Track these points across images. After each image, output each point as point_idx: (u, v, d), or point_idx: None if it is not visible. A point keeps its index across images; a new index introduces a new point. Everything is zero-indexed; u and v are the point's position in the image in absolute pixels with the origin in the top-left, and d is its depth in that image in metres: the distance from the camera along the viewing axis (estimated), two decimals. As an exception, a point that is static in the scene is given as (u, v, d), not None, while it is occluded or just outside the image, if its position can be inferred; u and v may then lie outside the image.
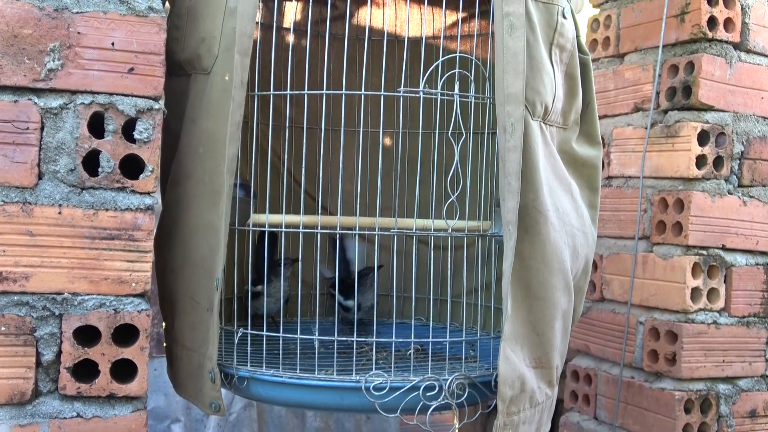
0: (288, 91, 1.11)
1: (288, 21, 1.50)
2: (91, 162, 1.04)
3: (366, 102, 1.47)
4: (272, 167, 1.49)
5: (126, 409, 1.05)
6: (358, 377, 1.08)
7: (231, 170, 1.10)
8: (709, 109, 1.60)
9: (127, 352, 1.05)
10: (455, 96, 1.09)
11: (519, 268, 1.12)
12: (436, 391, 1.09)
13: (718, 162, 1.61)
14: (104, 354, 1.04)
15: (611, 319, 1.74)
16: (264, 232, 1.34)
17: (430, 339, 1.23)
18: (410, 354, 1.30)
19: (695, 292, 1.59)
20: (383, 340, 1.23)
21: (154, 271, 1.19)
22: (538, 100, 1.11)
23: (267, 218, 1.18)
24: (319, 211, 1.30)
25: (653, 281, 1.64)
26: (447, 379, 1.09)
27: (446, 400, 1.08)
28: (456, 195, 1.11)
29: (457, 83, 1.09)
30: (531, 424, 1.14)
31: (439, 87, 1.08)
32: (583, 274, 1.24)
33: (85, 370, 1.05)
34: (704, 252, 1.60)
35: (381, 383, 1.07)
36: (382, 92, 1.10)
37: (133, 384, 1.05)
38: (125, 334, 1.06)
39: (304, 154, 1.21)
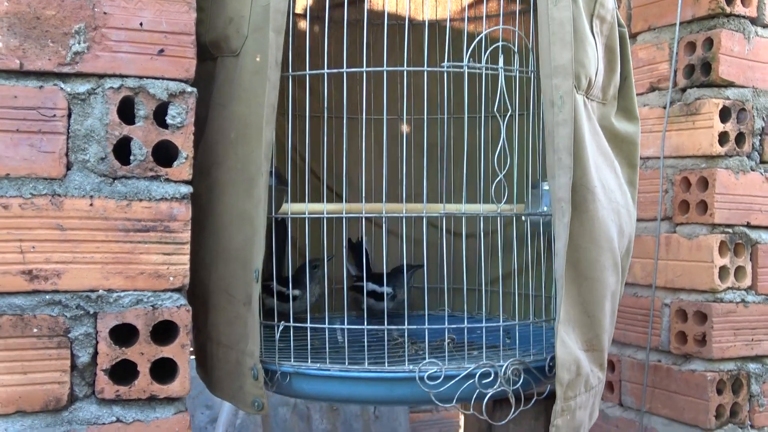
0: (326, 70, 1.06)
1: (301, 6, 1.44)
2: (123, 150, 0.98)
3: (385, 86, 1.42)
4: (293, 162, 1.44)
5: (168, 411, 0.99)
6: (411, 367, 1.03)
7: (267, 155, 1.04)
8: (730, 85, 1.58)
9: (167, 351, 0.99)
10: (500, 70, 1.05)
11: (567, 248, 1.08)
12: (491, 378, 1.04)
13: (739, 138, 1.58)
14: (143, 353, 0.98)
15: (634, 303, 1.71)
16: (278, 227, 1.28)
17: (465, 325, 1.17)
18: (447, 343, 1.25)
19: (723, 271, 1.56)
20: (416, 327, 1.17)
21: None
22: (582, 73, 1.07)
23: (289, 207, 1.12)
24: (345, 199, 1.24)
25: (678, 262, 1.61)
26: (503, 365, 1.04)
27: (502, 387, 1.04)
28: (504, 174, 1.06)
29: (501, 57, 1.04)
30: (585, 409, 1.10)
31: (484, 60, 1.03)
32: (626, 254, 1.21)
33: (122, 372, 0.99)
34: (730, 230, 1.57)
35: (436, 372, 1.02)
36: (425, 68, 1.05)
37: (174, 384, 0.99)
38: (163, 332, 1.00)
39: (331, 144, 1.16)
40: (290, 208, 1.11)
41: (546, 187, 1.27)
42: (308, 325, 1.06)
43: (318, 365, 1.05)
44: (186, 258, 1.00)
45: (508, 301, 1.44)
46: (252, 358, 1.06)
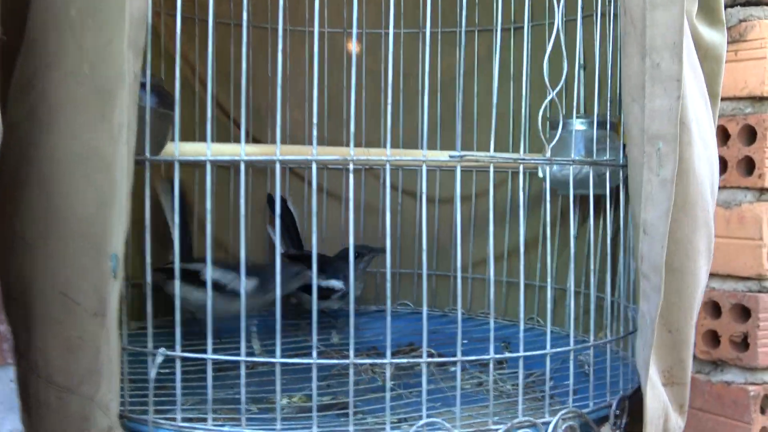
0: None
1: None
2: None
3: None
4: (185, 83, 0.96)
5: None
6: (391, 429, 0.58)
7: (136, 47, 0.57)
8: (785, 3, 1.18)
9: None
10: None
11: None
12: (529, 443, 0.60)
13: (795, 76, 1.19)
14: None
15: (643, 291, 1.31)
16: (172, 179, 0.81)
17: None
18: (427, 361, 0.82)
19: (772, 252, 1.17)
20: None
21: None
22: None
23: (177, 146, 0.65)
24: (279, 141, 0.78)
25: (709, 238, 1.22)
26: (549, 422, 0.60)
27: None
28: (556, 93, 0.62)
29: None
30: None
31: None
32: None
33: None
34: (781, 197, 1.18)
35: (440, 439, 0.57)
36: None
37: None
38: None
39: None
40: (180, 147, 0.63)
41: (581, 126, 0.84)
42: (208, 356, 0.59)
43: (227, 427, 0.58)
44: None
45: (499, 294, 1.02)
46: (106, 412, 0.59)
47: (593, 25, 0.85)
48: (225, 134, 1.04)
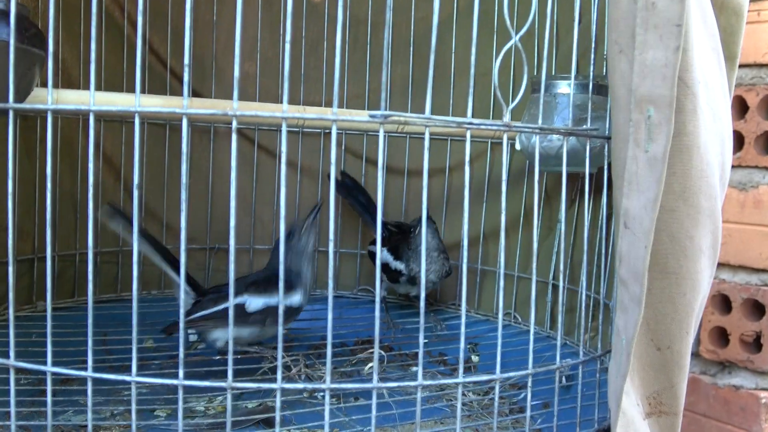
0: None
1: None
2: None
3: None
4: (111, 23, 0.83)
5: None
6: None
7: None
8: (818, -46, 1.02)
9: None
10: None
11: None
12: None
13: (826, 40, 1.04)
14: None
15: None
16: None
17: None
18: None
19: (792, 241, 1.03)
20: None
21: None
22: None
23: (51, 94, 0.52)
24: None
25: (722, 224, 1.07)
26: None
27: None
28: (518, 37, 0.47)
29: None
30: None
31: None
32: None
33: None
34: (803, 178, 1.04)
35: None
36: None
37: None
38: None
39: None
40: (56, 95, 0.50)
41: (563, 90, 0.69)
42: (48, 368, 0.45)
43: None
44: None
45: (472, 283, 0.88)
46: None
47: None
48: (162, 87, 0.91)
